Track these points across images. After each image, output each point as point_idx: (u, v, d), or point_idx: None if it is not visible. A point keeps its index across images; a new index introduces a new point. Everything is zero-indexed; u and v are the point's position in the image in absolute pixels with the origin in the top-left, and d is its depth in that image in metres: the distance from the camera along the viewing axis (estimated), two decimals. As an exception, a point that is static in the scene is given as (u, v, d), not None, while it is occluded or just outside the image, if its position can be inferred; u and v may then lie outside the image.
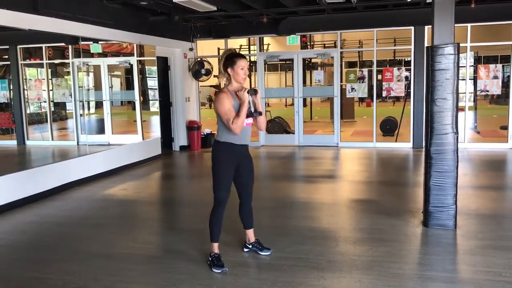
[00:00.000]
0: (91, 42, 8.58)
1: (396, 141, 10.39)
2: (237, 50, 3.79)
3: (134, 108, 9.85)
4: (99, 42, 8.77)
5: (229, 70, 3.53)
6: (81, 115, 8.96)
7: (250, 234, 4.03)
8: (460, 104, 7.19)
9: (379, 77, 11.15)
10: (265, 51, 13.98)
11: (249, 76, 19.30)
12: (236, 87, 3.57)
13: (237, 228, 4.35)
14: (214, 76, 12.26)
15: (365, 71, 10.40)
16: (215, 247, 3.78)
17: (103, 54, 9.58)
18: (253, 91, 3.52)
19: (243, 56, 3.59)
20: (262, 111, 3.64)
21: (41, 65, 9.03)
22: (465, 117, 9.51)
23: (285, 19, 9.89)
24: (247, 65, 3.55)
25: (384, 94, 10.20)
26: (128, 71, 9.83)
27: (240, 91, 3.52)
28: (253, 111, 3.57)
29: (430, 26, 4.50)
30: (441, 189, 4.47)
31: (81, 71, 8.92)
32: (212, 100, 23.61)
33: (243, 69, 3.52)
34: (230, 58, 3.54)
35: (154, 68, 9.82)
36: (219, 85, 17.45)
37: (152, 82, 10.15)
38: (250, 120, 3.62)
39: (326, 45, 17.92)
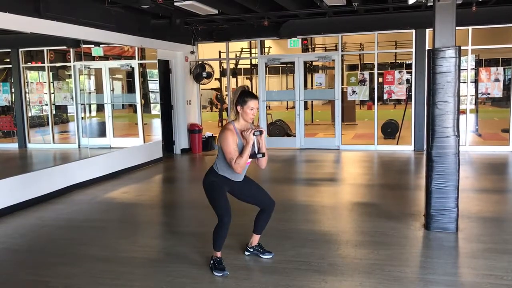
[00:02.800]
0: (93, 45, 8.60)
1: (397, 144, 10.38)
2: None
3: (135, 111, 9.86)
4: (101, 45, 8.79)
5: (238, 107, 3.59)
6: (82, 118, 8.96)
7: (255, 239, 4.02)
8: (461, 107, 7.21)
9: (380, 80, 11.16)
10: (266, 54, 14.00)
11: (250, 79, 19.43)
12: (243, 125, 3.63)
13: (238, 232, 4.35)
14: (215, 79, 12.24)
15: (366, 74, 10.40)
16: (218, 252, 3.78)
17: (105, 57, 9.61)
18: (258, 132, 3.59)
19: (254, 97, 3.63)
20: (265, 152, 3.68)
21: (42, 68, 9.06)
22: (467, 120, 9.49)
23: (286, 22, 9.91)
24: (256, 105, 3.61)
25: (385, 97, 10.20)
26: (130, 74, 9.84)
27: (246, 130, 3.56)
28: (256, 152, 3.62)
29: (431, 29, 4.51)
30: (442, 192, 4.47)
31: (82, 74, 8.94)
32: (213, 103, 23.69)
33: (252, 109, 3.58)
34: (241, 97, 3.59)
35: (156, 71, 9.83)
36: (220, 88, 17.50)
37: (154, 85, 10.15)
38: (250, 159, 3.66)
39: (327, 48, 17.94)
